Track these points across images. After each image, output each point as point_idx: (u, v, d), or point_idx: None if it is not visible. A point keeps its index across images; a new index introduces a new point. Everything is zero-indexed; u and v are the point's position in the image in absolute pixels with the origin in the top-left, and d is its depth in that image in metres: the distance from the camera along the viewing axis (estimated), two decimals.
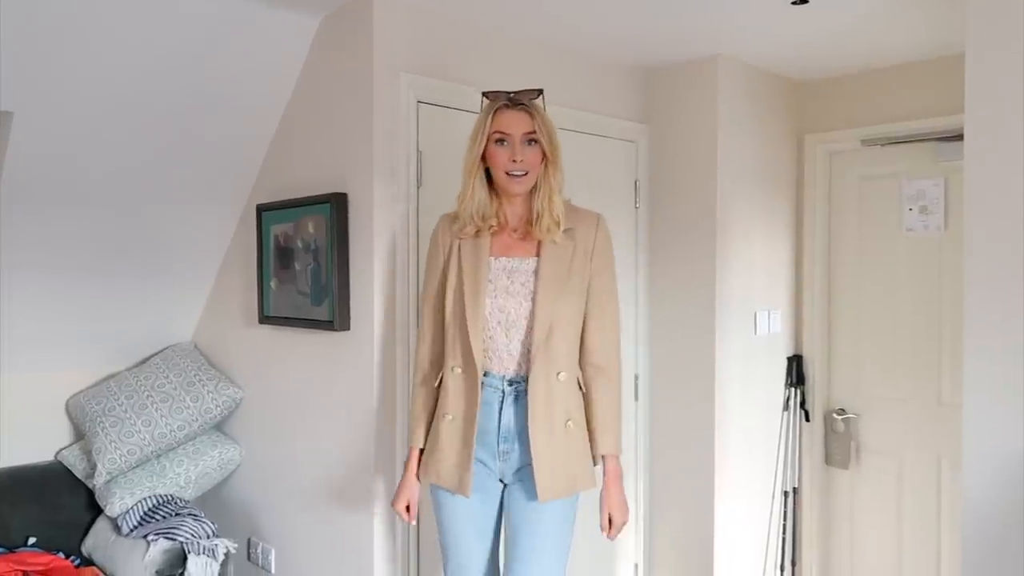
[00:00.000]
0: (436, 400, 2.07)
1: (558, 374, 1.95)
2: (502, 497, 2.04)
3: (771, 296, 3.30)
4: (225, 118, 2.63)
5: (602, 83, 3.07)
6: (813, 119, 3.38)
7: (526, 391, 1.94)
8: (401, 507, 2.08)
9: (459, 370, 1.97)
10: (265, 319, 2.79)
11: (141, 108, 2.45)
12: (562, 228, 1.96)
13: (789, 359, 3.41)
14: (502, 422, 1.96)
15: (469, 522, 2.01)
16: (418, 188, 2.47)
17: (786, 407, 3.40)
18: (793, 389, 3.40)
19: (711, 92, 3.02)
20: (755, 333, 3.21)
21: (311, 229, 2.56)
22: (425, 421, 2.07)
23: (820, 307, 3.41)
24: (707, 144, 3.04)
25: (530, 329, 1.94)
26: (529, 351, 1.95)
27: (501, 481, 2.03)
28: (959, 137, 2.57)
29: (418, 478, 2.08)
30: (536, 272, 1.96)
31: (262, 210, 2.78)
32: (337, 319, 2.46)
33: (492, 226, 1.98)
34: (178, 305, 3.12)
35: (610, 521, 2.03)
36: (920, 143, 3.09)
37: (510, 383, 1.97)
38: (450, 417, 1.98)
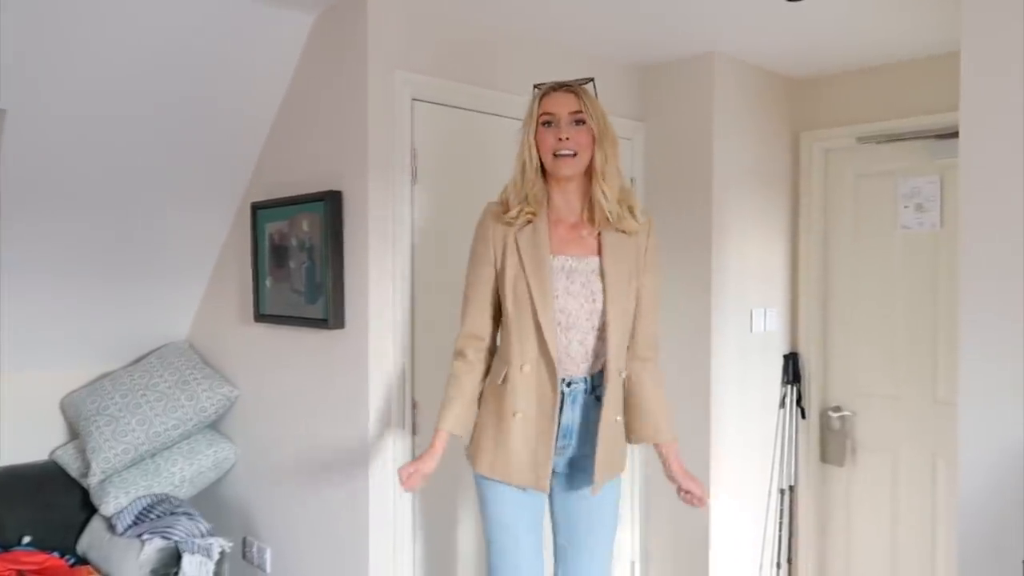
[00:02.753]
0: (480, 391, 2.06)
1: (620, 373, 2.01)
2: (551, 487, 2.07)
3: (767, 294, 3.30)
4: (219, 115, 2.62)
5: (598, 80, 3.05)
6: (809, 117, 3.38)
7: (585, 391, 2.00)
8: (407, 472, 1.96)
9: (528, 368, 1.95)
10: (260, 317, 2.78)
11: (135, 105, 2.44)
12: (636, 214, 2.00)
13: (785, 357, 3.41)
14: (562, 421, 1.98)
15: (522, 514, 2.03)
16: (413, 186, 2.47)
17: (782, 405, 3.40)
18: (789, 387, 3.41)
19: (707, 90, 3.02)
20: (751, 331, 3.21)
21: (306, 227, 2.55)
22: (462, 406, 2.03)
23: (816, 305, 3.41)
24: (703, 142, 3.03)
25: (595, 330, 1.97)
26: (591, 351, 1.99)
27: (552, 471, 2.05)
28: (955, 135, 2.57)
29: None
30: (601, 273, 1.97)
31: (256, 208, 2.77)
32: (332, 317, 2.45)
33: (531, 214, 1.96)
34: (173, 303, 3.11)
35: (693, 492, 2.08)
36: (916, 141, 3.09)
37: (568, 384, 1.98)
38: (520, 416, 1.96)
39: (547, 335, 1.92)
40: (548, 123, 1.94)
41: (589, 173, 1.97)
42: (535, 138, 1.95)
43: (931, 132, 3.02)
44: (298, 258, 2.60)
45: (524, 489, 2.01)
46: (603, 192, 1.95)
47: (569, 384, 1.98)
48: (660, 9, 2.54)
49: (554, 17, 2.60)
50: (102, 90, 2.35)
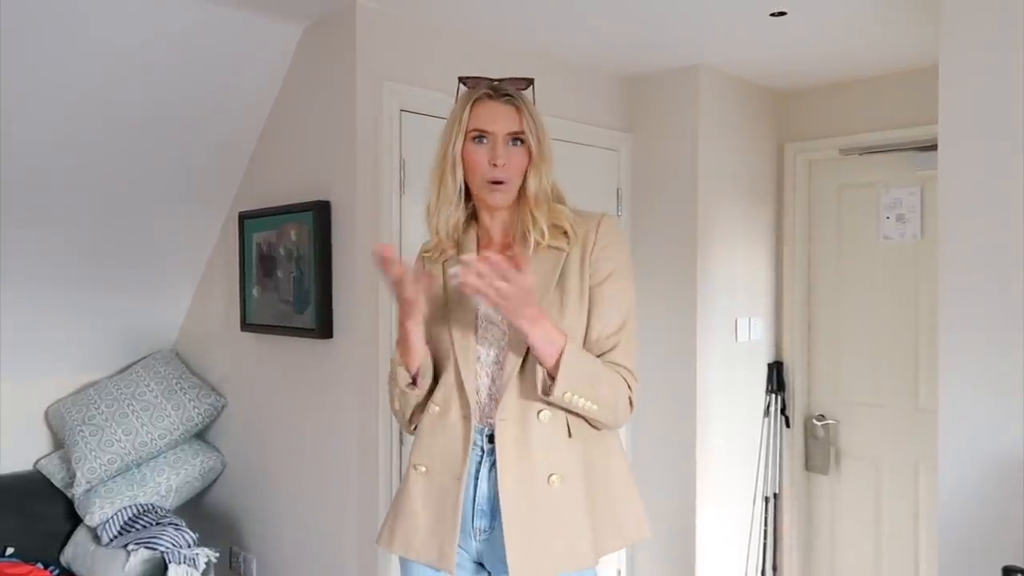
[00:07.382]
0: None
1: (539, 413, 1.49)
2: None
3: (752, 303, 3.33)
4: (207, 126, 2.62)
5: (585, 92, 3.09)
6: (792, 128, 3.42)
7: None
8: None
9: (437, 408, 1.56)
10: (247, 327, 2.78)
11: (124, 115, 2.44)
12: (570, 233, 1.58)
13: (769, 366, 3.44)
14: (478, 488, 1.53)
15: None
16: (401, 196, 2.48)
17: (767, 413, 3.43)
18: (773, 395, 3.43)
19: (692, 101, 3.05)
20: (736, 340, 3.24)
21: (293, 237, 2.56)
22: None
23: (800, 314, 3.44)
24: (688, 153, 3.06)
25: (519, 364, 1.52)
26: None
27: (481, 565, 1.59)
28: (935, 147, 2.61)
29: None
30: None
31: (244, 218, 2.78)
32: (319, 327, 2.46)
33: (452, 250, 1.64)
34: (159, 312, 3.10)
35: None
36: (897, 152, 3.14)
37: (491, 439, 1.52)
38: (423, 469, 1.56)
39: (462, 368, 1.53)
40: (480, 139, 1.55)
41: (520, 194, 1.60)
42: (461, 154, 1.56)
43: (912, 144, 3.07)
44: (286, 268, 2.60)
45: (437, 572, 1.55)
46: (532, 217, 1.57)
47: (491, 439, 1.51)
48: (647, 22, 2.57)
49: (543, 29, 2.63)
50: (91, 100, 2.35)
